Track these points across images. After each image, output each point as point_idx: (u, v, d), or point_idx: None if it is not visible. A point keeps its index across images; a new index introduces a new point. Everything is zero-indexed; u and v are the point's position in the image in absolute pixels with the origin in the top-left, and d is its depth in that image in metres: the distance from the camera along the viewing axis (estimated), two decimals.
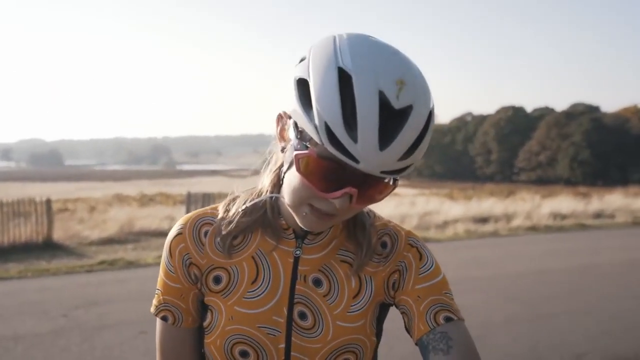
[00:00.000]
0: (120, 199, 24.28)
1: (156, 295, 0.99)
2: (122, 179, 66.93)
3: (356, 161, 0.75)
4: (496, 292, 6.67)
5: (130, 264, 8.62)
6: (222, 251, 0.95)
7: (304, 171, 0.80)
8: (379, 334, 0.99)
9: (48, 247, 10.32)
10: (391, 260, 0.97)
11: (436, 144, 71.69)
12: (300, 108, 0.78)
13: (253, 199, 0.96)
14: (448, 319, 0.90)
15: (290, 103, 0.81)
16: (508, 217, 15.12)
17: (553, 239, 11.78)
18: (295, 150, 0.80)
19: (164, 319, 0.98)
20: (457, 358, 0.85)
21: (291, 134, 0.83)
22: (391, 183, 0.83)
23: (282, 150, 0.88)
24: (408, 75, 0.77)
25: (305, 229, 0.87)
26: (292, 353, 0.92)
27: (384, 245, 0.98)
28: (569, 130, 56.52)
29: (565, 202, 18.45)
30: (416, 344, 0.92)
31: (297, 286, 0.93)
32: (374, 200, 0.83)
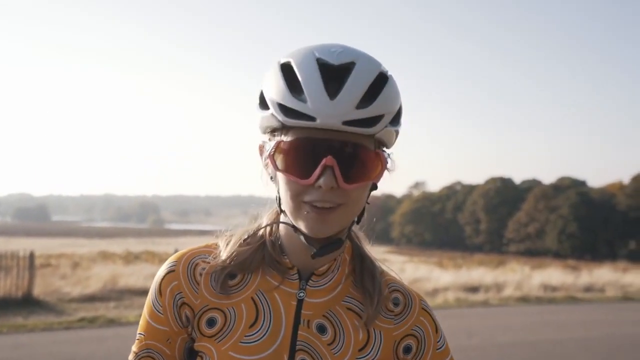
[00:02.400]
0: (105, 256, 23.83)
1: (137, 341, 0.89)
2: (109, 236, 65.97)
3: (313, 119, 0.75)
4: None
5: (111, 322, 8.35)
6: (215, 287, 0.87)
7: (280, 165, 0.80)
8: None
9: (27, 303, 9.98)
10: (405, 321, 0.93)
11: (426, 211, 72.05)
12: (261, 112, 0.83)
13: (252, 234, 0.92)
14: None
15: (259, 124, 0.85)
16: (498, 287, 14.95)
17: (544, 311, 11.61)
18: (268, 152, 0.82)
19: None
20: None
21: (266, 147, 0.84)
22: (374, 149, 0.81)
23: (269, 175, 0.88)
24: (346, 47, 0.82)
25: (312, 234, 0.81)
26: None
27: (396, 301, 0.94)
28: (557, 203, 57.23)
29: (555, 274, 18.35)
30: None
31: (299, 332, 0.86)
32: (365, 175, 0.80)
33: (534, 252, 55.10)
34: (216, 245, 0.92)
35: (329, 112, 0.75)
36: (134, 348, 0.89)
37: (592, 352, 7.43)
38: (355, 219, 0.87)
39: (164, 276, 0.89)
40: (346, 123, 0.75)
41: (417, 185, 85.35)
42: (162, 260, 20.71)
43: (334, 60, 0.78)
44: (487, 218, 64.58)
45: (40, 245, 30.59)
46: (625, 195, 56.36)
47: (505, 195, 64.59)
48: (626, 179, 59.19)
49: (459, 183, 76.04)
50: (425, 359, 0.92)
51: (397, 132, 0.85)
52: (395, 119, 0.83)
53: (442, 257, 39.95)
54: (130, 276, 13.28)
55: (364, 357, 0.88)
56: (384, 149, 0.85)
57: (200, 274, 0.88)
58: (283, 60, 0.82)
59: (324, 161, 0.77)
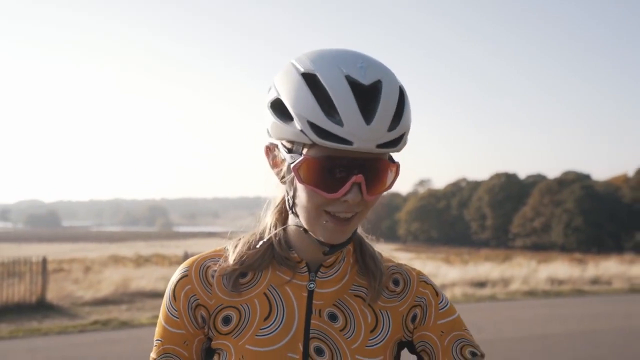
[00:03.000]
0: (116, 259, 24.01)
1: (155, 348, 0.93)
2: (118, 240, 66.20)
3: (349, 143, 0.76)
4: (496, 358, 6.58)
5: (124, 325, 8.48)
6: (227, 286, 0.91)
7: (305, 179, 0.80)
8: None
9: (41, 308, 10.15)
10: (407, 296, 0.98)
11: (432, 208, 71.95)
12: (282, 124, 0.81)
13: (258, 238, 0.95)
14: (474, 354, 0.94)
15: (272, 130, 0.84)
16: (505, 282, 15.02)
17: (551, 304, 11.66)
18: (291, 164, 0.82)
19: None
20: None
21: (283, 154, 0.85)
22: (388, 159, 0.84)
23: (281, 179, 0.88)
24: (367, 59, 0.83)
25: (329, 242, 0.86)
26: None
27: (396, 281, 0.99)
28: (562, 197, 57.02)
29: (561, 268, 18.35)
30: None
31: (312, 321, 0.91)
32: (384, 186, 0.84)
33: (540, 247, 54.93)
34: (225, 249, 0.96)
35: (365, 137, 0.77)
36: (152, 354, 0.93)
37: (600, 345, 7.48)
38: None
39: (177, 282, 0.92)
40: (379, 146, 0.78)
41: (422, 182, 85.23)
42: (172, 262, 20.85)
43: (363, 80, 0.79)
44: (492, 214, 64.41)
45: (52, 251, 30.81)
46: (630, 188, 56.07)
47: (510, 191, 64.38)
48: (631, 172, 59.03)
49: (464, 180, 75.82)
50: (429, 320, 0.96)
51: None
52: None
53: (449, 253, 39.93)
54: (141, 279, 13.42)
55: (376, 337, 0.93)
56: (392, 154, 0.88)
57: (212, 276, 0.92)
58: (304, 70, 0.81)
59: (353, 178, 0.79)
